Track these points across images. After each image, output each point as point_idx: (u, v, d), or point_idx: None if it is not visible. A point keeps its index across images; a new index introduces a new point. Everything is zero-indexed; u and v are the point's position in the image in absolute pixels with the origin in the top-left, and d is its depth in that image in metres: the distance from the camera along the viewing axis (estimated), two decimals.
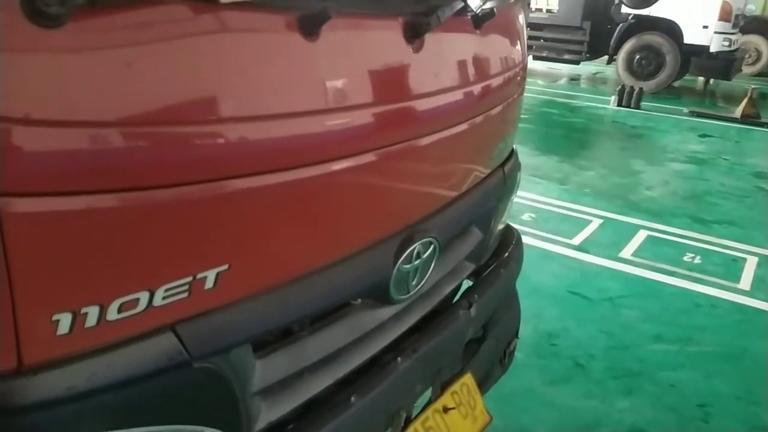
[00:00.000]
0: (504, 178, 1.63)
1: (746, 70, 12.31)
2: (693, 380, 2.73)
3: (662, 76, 10.27)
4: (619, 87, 9.46)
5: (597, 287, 3.55)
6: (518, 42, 1.60)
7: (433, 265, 1.32)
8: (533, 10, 10.80)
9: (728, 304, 3.47)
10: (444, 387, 1.48)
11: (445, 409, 1.45)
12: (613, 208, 4.87)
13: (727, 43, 9.88)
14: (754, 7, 12.19)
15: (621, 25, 10.41)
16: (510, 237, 1.86)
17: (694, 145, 7.29)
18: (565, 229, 4.36)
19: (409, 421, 1.36)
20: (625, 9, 9.87)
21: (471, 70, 1.34)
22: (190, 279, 0.83)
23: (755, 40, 12.90)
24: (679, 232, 4.49)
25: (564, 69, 12.44)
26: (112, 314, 0.77)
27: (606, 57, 10.98)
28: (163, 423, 0.87)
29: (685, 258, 4.03)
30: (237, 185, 0.86)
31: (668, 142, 7.46)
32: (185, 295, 0.84)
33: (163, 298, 0.81)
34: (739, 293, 3.61)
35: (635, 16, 10.16)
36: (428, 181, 1.29)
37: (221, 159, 0.84)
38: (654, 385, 2.67)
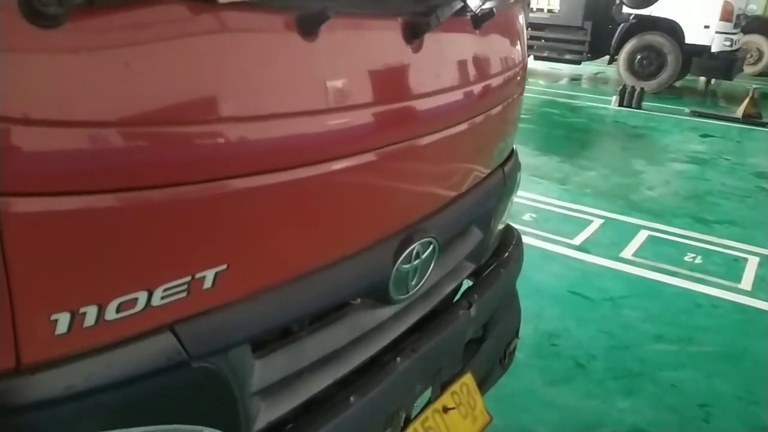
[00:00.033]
0: (504, 178, 1.62)
1: (748, 70, 12.29)
2: (694, 380, 2.73)
3: (663, 76, 10.26)
4: (621, 87, 9.45)
5: (598, 287, 3.55)
6: (518, 42, 1.60)
7: (432, 265, 1.32)
8: (534, 10, 10.80)
9: (729, 304, 3.47)
10: (444, 387, 1.48)
11: (445, 409, 1.45)
12: (614, 208, 4.86)
13: (728, 43, 9.86)
14: (755, 7, 12.17)
15: (622, 25, 10.40)
16: (510, 237, 1.86)
17: (695, 145, 7.28)
18: (566, 229, 4.36)
19: (408, 421, 1.36)
20: (626, 9, 9.85)
21: (470, 70, 1.34)
22: (188, 279, 0.83)
23: (757, 39, 12.88)
24: (680, 232, 4.48)
25: (565, 69, 12.43)
26: (110, 314, 0.77)
27: (607, 57, 10.97)
28: (161, 423, 0.87)
29: (686, 258, 4.02)
30: (235, 185, 0.86)
31: (669, 142, 7.45)
32: (184, 294, 0.84)
33: (162, 297, 0.81)
34: (740, 293, 3.60)
35: (636, 16, 10.15)
36: (427, 181, 1.29)
37: (220, 159, 0.84)
38: (655, 386, 2.67)
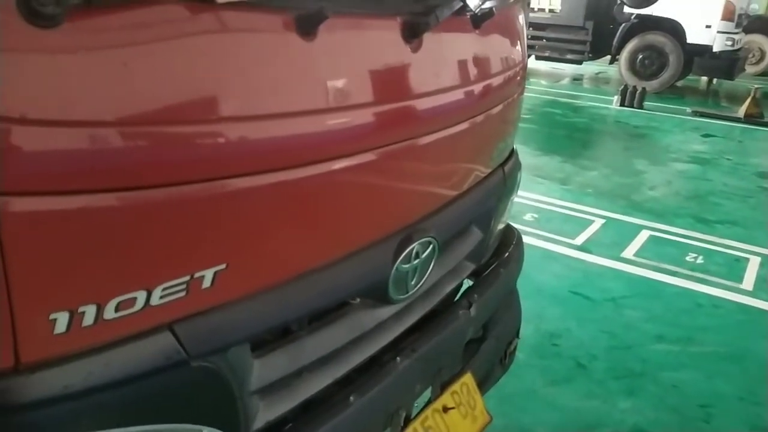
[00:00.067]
0: (504, 178, 1.62)
1: (749, 69, 12.27)
2: (695, 381, 2.72)
3: (665, 76, 10.25)
4: (622, 87, 9.44)
5: (599, 287, 3.54)
6: (518, 41, 1.60)
7: (432, 264, 1.32)
8: (535, 9, 10.79)
9: (731, 305, 3.46)
10: (444, 387, 1.48)
11: (445, 409, 1.45)
12: (615, 208, 4.86)
13: (730, 43, 9.84)
14: (757, 7, 12.13)
15: (624, 24, 10.38)
16: (510, 237, 1.86)
17: (697, 145, 7.27)
18: (568, 229, 4.36)
19: (408, 420, 1.36)
20: (627, 9, 9.83)
21: (470, 70, 1.34)
22: (187, 278, 0.84)
23: (758, 39, 12.85)
24: (682, 232, 4.47)
25: (567, 69, 12.42)
26: (109, 313, 0.77)
27: (609, 57, 10.96)
28: (160, 422, 0.87)
29: (687, 258, 4.02)
30: (234, 185, 0.86)
31: (671, 141, 7.44)
32: (183, 294, 0.84)
33: (161, 297, 0.81)
34: (742, 293, 3.60)
35: (638, 16, 10.13)
36: (426, 181, 1.29)
37: (219, 158, 0.84)
38: (656, 386, 2.66)
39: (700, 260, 3.99)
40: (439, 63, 1.23)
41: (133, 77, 0.73)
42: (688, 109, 9.01)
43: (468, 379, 1.55)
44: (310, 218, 1.01)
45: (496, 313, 1.70)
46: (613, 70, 11.59)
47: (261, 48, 0.89)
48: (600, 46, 10.77)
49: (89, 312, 0.75)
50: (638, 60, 10.33)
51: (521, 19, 1.63)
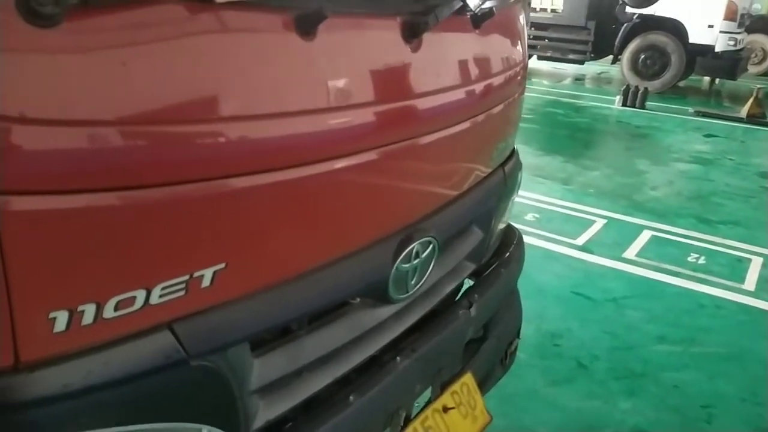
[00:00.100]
0: (504, 178, 1.62)
1: (752, 69, 12.24)
2: (697, 381, 2.72)
3: (667, 76, 10.23)
4: (624, 87, 9.43)
5: (601, 288, 3.54)
6: (518, 41, 1.60)
7: (432, 264, 1.32)
8: (537, 9, 10.78)
9: (733, 305, 3.46)
10: (444, 387, 1.48)
11: (445, 409, 1.45)
12: (617, 209, 4.85)
13: (732, 43, 9.82)
14: (759, 6, 12.10)
15: (626, 24, 10.37)
16: (511, 237, 1.85)
17: (699, 145, 7.25)
18: (569, 230, 4.35)
19: (408, 420, 1.36)
20: (629, 9, 9.83)
21: (469, 70, 1.34)
22: (187, 277, 0.84)
23: (761, 39, 12.82)
24: (684, 233, 4.47)
25: (569, 69, 12.41)
26: (108, 312, 0.77)
27: (611, 57, 10.93)
28: (160, 421, 0.87)
29: (689, 258, 4.01)
30: (234, 184, 0.86)
31: (673, 142, 7.43)
32: (182, 293, 0.84)
33: (160, 296, 0.81)
34: (744, 294, 3.59)
35: (640, 16, 10.12)
36: (426, 181, 1.29)
37: (218, 158, 0.84)
38: (657, 386, 2.66)
39: (701, 261, 3.99)
40: (439, 63, 1.23)
41: (132, 77, 0.73)
42: (691, 109, 9.00)
43: (468, 379, 1.55)
44: (309, 218, 1.02)
45: (496, 313, 1.70)
46: (615, 70, 11.57)
47: (260, 48, 0.89)
48: (602, 46, 10.76)
49: (89, 311, 0.75)
50: (640, 60, 10.31)
51: (522, 18, 1.62)
